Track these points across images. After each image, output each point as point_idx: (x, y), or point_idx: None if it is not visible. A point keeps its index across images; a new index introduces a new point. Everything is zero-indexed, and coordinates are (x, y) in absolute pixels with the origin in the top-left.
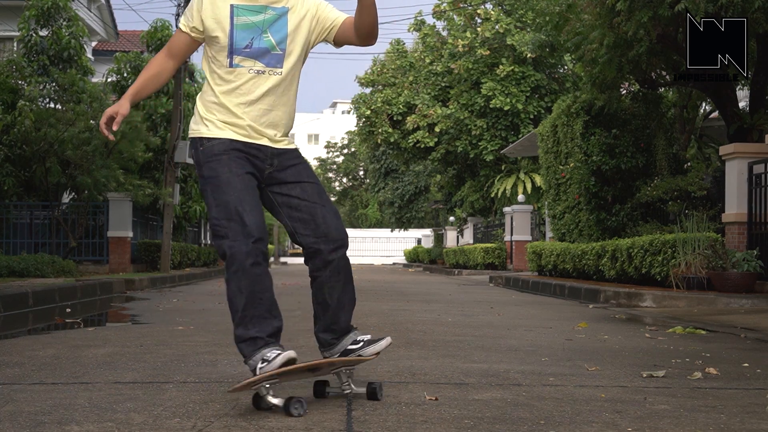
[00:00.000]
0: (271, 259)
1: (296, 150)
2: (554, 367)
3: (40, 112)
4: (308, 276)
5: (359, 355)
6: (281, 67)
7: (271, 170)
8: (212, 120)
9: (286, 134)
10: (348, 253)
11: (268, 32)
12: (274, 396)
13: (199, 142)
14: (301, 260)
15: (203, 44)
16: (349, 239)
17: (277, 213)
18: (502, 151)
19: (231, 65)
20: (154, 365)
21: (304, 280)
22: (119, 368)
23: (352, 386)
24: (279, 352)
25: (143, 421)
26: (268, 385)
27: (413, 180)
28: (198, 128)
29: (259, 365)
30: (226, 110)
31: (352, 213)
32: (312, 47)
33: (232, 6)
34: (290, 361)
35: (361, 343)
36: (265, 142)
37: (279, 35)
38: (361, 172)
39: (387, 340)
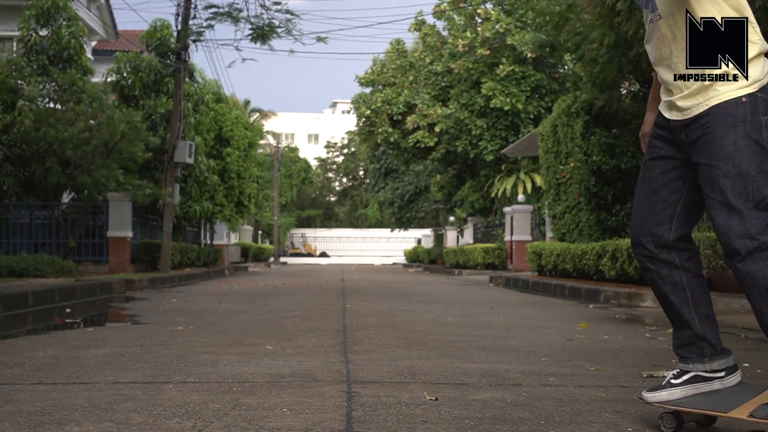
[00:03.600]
0: (271, 259)
1: (708, 114)
2: (554, 368)
3: (40, 111)
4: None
5: None
6: (657, 8)
7: (684, 146)
8: None
9: (699, 92)
10: (347, 252)
11: None
12: None
13: None
14: (301, 260)
15: None
16: (349, 239)
17: None
18: (502, 151)
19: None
20: (153, 365)
21: (305, 280)
22: (119, 368)
23: None
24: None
25: (143, 421)
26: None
27: (413, 180)
28: None
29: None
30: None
31: (352, 213)
32: None
33: None
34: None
35: None
36: (674, 114)
37: None
38: (361, 172)
39: None
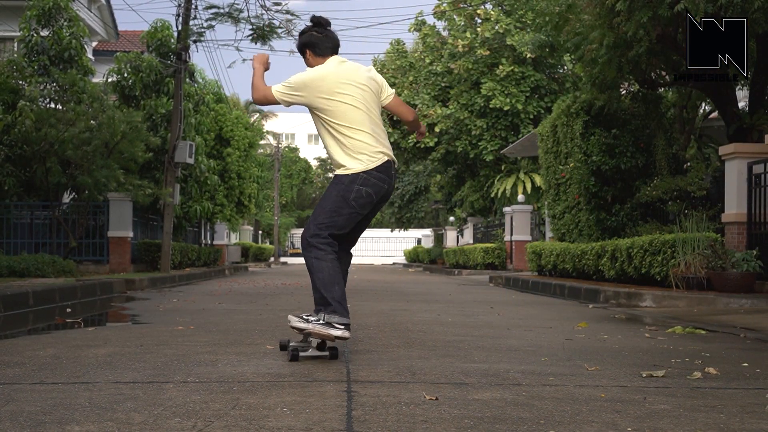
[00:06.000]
0: (271, 259)
1: (334, 176)
2: (554, 367)
3: (41, 112)
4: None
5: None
6: None
7: None
8: None
9: (336, 166)
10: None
11: None
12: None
13: None
14: (301, 260)
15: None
16: None
17: None
18: (502, 151)
19: None
20: (154, 365)
21: (305, 280)
22: (119, 368)
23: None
24: None
25: (143, 420)
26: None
27: (413, 180)
28: None
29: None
30: None
31: None
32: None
33: None
34: None
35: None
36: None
37: None
38: None
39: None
